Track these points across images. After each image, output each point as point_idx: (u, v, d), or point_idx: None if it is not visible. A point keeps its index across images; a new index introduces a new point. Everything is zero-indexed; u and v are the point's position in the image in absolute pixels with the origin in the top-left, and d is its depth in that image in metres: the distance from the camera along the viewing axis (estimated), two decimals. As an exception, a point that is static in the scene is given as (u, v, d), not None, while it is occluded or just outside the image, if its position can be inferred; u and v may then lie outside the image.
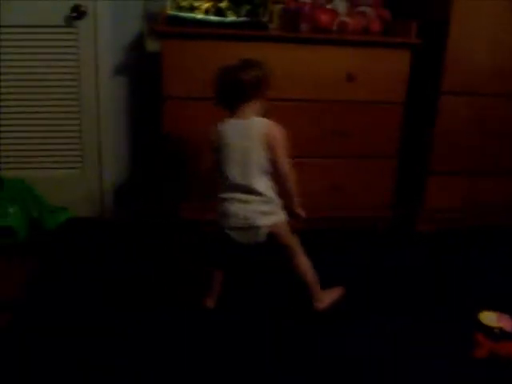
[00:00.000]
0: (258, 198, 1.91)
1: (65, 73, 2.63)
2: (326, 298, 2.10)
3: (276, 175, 1.95)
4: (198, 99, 2.44)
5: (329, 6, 2.66)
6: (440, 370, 1.84)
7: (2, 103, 2.63)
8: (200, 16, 2.43)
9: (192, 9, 2.43)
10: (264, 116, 1.95)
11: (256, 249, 2.02)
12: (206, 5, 2.44)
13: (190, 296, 2.15)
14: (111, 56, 2.66)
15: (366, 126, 2.65)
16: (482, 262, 2.62)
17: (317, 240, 2.64)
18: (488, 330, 2.05)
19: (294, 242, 2.02)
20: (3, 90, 2.61)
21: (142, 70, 2.71)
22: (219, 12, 2.44)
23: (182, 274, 2.35)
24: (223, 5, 2.44)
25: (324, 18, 2.59)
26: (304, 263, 2.04)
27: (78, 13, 2.51)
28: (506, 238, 2.89)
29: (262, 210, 1.91)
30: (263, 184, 1.92)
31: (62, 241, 2.58)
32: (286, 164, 1.92)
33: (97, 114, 2.70)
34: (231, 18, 2.45)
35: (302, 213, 2.01)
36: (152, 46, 2.64)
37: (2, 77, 2.59)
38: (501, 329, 2.08)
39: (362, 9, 2.69)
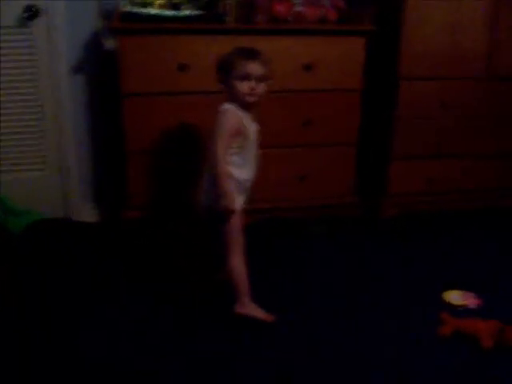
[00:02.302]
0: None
1: (21, 74, 2.58)
2: (251, 308, 2.00)
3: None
4: (157, 94, 2.45)
5: (284, -3, 2.67)
6: (407, 348, 1.90)
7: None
8: (155, 11, 2.42)
9: (146, 4, 2.42)
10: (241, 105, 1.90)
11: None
12: (160, 0, 2.44)
13: (172, 293, 2.20)
14: (68, 55, 2.62)
15: (325, 114, 2.66)
16: (447, 244, 2.67)
17: (281, 229, 2.69)
18: (452, 308, 2.10)
19: (231, 238, 1.93)
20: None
21: (100, 68, 2.68)
22: (174, 6, 2.44)
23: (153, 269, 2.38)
24: (177, -1, 2.44)
25: (280, 8, 2.59)
26: (236, 268, 1.95)
27: (30, 13, 2.46)
28: (469, 220, 2.93)
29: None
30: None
31: (29, 243, 2.56)
32: (216, 147, 1.82)
33: (56, 114, 2.67)
34: (186, 11, 2.44)
35: (228, 204, 1.82)
36: (109, 43, 2.62)
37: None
38: (465, 306, 2.13)
39: (317, -2, 2.70)
